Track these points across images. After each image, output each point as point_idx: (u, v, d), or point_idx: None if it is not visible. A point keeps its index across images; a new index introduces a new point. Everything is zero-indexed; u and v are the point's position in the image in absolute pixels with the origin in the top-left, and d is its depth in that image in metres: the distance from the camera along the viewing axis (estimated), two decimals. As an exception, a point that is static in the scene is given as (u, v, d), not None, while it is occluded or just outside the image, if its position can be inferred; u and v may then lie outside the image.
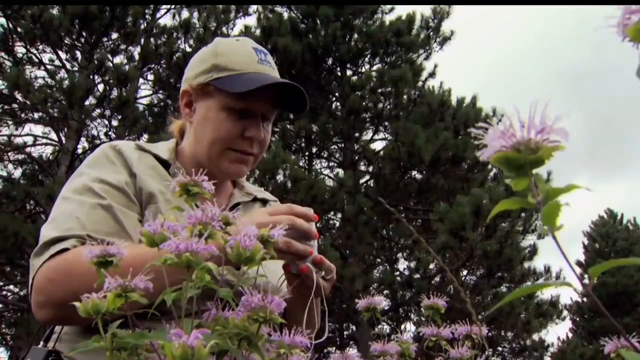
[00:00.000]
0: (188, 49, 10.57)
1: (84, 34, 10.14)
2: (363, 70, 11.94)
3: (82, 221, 1.03)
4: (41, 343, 1.09)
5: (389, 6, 12.06)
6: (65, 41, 10.28)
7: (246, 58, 1.19)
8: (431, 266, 10.81)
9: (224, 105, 1.16)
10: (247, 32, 11.10)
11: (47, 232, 1.04)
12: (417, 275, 10.91)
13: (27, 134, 10.66)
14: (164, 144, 1.26)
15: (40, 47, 10.38)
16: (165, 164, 1.20)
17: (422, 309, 1.06)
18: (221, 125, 1.16)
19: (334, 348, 14.51)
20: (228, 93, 1.15)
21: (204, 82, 1.18)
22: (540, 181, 0.39)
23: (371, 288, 10.20)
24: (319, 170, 12.01)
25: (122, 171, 1.13)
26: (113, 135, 9.83)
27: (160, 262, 0.63)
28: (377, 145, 11.74)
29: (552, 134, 0.40)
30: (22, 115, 9.92)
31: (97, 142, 10.31)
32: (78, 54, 10.58)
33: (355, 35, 11.63)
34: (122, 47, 10.55)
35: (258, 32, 11.21)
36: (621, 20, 0.43)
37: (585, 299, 21.37)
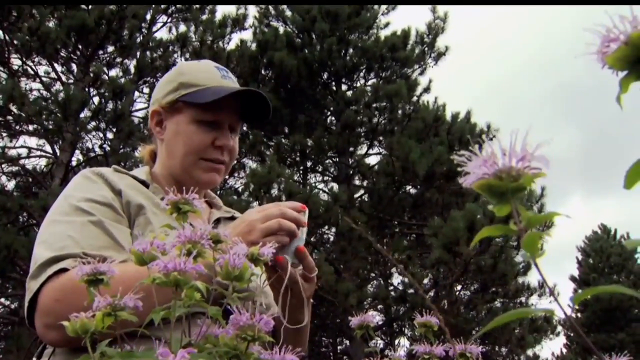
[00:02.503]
0: (184, 63, 10.58)
1: (80, 46, 10.16)
2: (358, 85, 12.01)
3: (75, 239, 1.02)
4: (34, 359, 1.08)
5: (384, 21, 12.17)
6: (61, 54, 10.29)
7: (210, 74, 1.26)
8: (425, 281, 10.80)
9: (194, 118, 1.22)
10: (242, 46, 11.14)
11: (41, 253, 1.02)
12: (411, 290, 10.88)
13: (22, 146, 10.64)
14: (140, 169, 1.30)
15: (36, 59, 10.40)
16: (143, 184, 1.22)
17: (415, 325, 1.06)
18: (193, 137, 1.21)
19: (327, 363, 14.42)
20: (197, 106, 1.21)
21: (173, 100, 1.24)
22: (522, 208, 0.40)
23: (365, 303, 10.17)
24: (313, 184, 12.01)
25: (106, 188, 1.14)
26: (108, 148, 9.81)
27: (149, 281, 0.63)
28: (372, 160, 11.78)
29: (533, 162, 0.40)
30: (17, 127, 9.90)
31: (92, 154, 10.30)
32: (74, 67, 10.60)
33: (351, 50, 11.69)
34: (118, 60, 10.57)
35: (254, 46, 11.27)
36: (600, 48, 0.44)
37: (579, 315, 21.36)
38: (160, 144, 1.28)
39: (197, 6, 11.16)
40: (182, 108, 1.23)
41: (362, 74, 12.00)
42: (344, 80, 11.95)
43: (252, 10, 11.84)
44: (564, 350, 21.72)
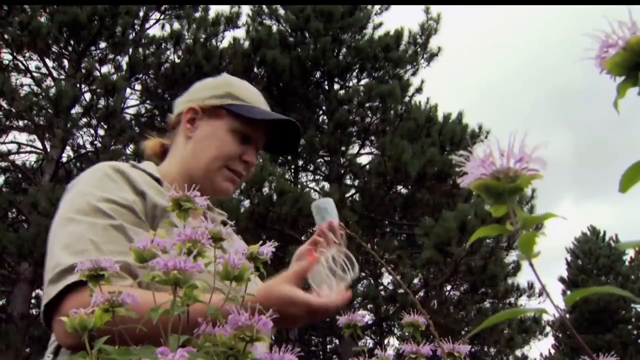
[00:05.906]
0: (177, 60, 10.57)
1: (72, 42, 10.09)
2: (351, 84, 12.00)
3: (96, 243, 1.02)
4: (51, 356, 1.07)
5: (377, 21, 12.18)
6: (53, 49, 10.23)
7: (255, 96, 1.34)
8: (415, 281, 10.84)
9: (233, 129, 1.27)
10: (235, 44, 11.11)
11: (62, 258, 1.01)
12: (401, 290, 10.91)
13: (11, 142, 10.59)
14: (148, 164, 1.29)
15: (27, 54, 10.33)
16: (157, 181, 1.22)
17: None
18: (226, 145, 1.26)
19: (317, 362, 14.44)
20: (239, 118, 1.27)
21: (216, 105, 1.29)
22: (518, 209, 0.41)
23: (355, 302, 10.18)
24: (304, 183, 12.02)
25: (127, 189, 1.13)
26: (99, 145, 9.77)
27: (148, 279, 0.63)
28: (364, 160, 11.79)
29: (531, 163, 0.41)
30: (7, 122, 9.83)
31: (82, 151, 10.25)
32: (65, 63, 10.54)
33: (344, 50, 11.70)
34: (110, 56, 10.52)
35: (247, 44, 11.24)
36: (599, 53, 0.45)
37: (567, 315, 21.50)
38: (184, 142, 1.29)
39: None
40: (224, 116, 1.28)
41: (354, 74, 12.00)
42: (336, 79, 11.95)
43: (246, 9, 11.82)
44: (552, 351, 21.86)
